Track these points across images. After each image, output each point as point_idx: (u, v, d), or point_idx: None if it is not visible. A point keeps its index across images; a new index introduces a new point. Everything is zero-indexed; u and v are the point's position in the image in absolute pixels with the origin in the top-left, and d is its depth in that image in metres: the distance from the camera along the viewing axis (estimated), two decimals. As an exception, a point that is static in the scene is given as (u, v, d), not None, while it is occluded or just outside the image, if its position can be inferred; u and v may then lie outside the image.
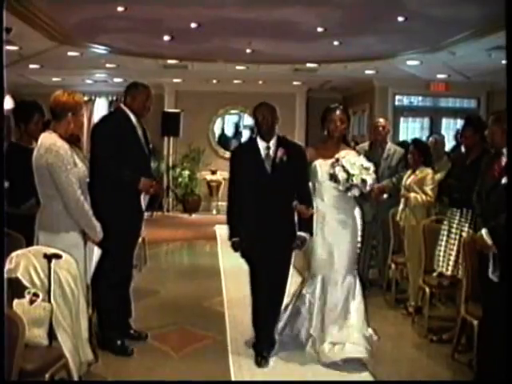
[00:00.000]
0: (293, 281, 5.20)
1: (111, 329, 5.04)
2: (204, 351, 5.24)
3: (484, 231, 4.08)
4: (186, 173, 14.88)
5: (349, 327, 4.93)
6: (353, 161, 4.94)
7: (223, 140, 15.44)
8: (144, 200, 5.15)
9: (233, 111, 15.50)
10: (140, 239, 6.21)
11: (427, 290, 5.74)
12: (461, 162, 5.61)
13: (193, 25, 8.35)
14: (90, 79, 14.28)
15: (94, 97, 15.56)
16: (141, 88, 5.20)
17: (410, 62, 10.75)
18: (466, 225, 5.27)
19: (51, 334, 3.78)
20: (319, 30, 8.49)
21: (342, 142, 5.24)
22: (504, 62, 3.99)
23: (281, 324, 5.17)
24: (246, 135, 15.24)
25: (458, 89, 13.13)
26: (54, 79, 13.40)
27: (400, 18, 7.65)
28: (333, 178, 4.93)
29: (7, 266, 3.79)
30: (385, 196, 6.82)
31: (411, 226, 6.29)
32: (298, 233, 4.88)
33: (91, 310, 4.48)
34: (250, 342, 5.14)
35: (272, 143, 4.91)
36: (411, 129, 14.25)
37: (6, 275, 3.70)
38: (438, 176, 6.33)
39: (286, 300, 5.16)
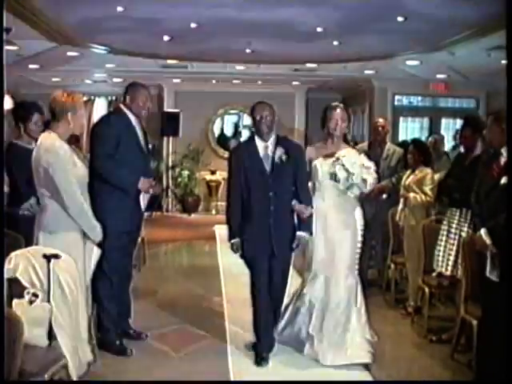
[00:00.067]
0: (292, 281, 5.20)
1: (110, 329, 5.04)
2: (203, 351, 5.24)
3: (483, 231, 4.08)
4: (186, 173, 14.87)
5: (351, 332, 4.93)
6: (353, 160, 4.92)
7: (222, 140, 15.43)
8: (143, 200, 5.15)
9: (232, 111, 15.49)
10: (139, 239, 6.21)
11: (426, 289, 5.74)
12: (460, 162, 5.61)
13: (192, 25, 8.34)
14: (90, 79, 14.26)
15: (94, 97, 15.56)
16: (140, 88, 5.19)
17: (409, 62, 10.74)
18: (466, 225, 5.27)
19: (50, 334, 3.78)
20: (319, 30, 8.48)
21: (343, 140, 5.22)
22: (503, 61, 4.00)
23: (281, 324, 5.16)
24: (245, 135, 15.23)
25: (457, 89, 13.14)
26: (54, 79, 13.39)
27: (399, 18, 7.65)
28: (333, 176, 4.91)
29: (6, 266, 3.79)
30: (384, 196, 6.82)
31: (410, 226, 6.30)
32: (298, 232, 4.87)
33: (90, 310, 4.48)
34: (249, 345, 5.12)
35: (270, 142, 4.89)
36: (410, 129, 14.26)
37: (5, 275, 3.70)
38: (438, 176, 6.33)
39: (286, 300, 5.16)
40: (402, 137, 13.34)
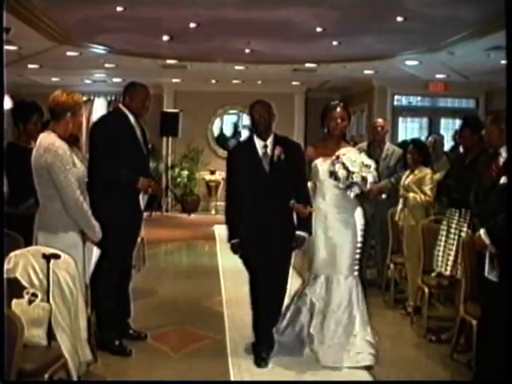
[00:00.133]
0: (293, 281, 5.18)
1: (110, 329, 5.04)
2: (203, 351, 5.24)
3: (482, 231, 4.09)
4: (185, 173, 14.88)
5: (353, 333, 4.91)
6: (353, 158, 4.86)
7: (222, 140, 15.44)
8: (143, 200, 5.15)
9: (232, 111, 15.51)
10: (139, 239, 6.21)
11: (426, 289, 5.74)
12: (459, 163, 5.61)
13: (192, 25, 8.35)
14: (89, 79, 14.28)
15: (93, 97, 15.56)
16: (139, 88, 5.19)
17: (408, 62, 10.75)
18: (465, 225, 5.27)
19: (50, 334, 3.78)
20: (318, 30, 8.49)
21: (343, 139, 5.19)
22: (503, 62, 4.00)
23: (283, 324, 5.13)
24: (244, 135, 15.23)
25: (456, 89, 13.14)
26: (53, 79, 13.40)
27: (399, 18, 7.66)
28: (333, 175, 4.86)
29: (5, 266, 3.79)
30: (383, 196, 6.82)
31: (410, 226, 6.29)
32: (297, 232, 4.84)
33: (90, 310, 4.48)
34: (249, 348, 5.08)
35: (269, 141, 4.85)
36: (410, 129, 14.26)
37: (5, 275, 3.70)
38: (437, 176, 6.33)
39: (287, 300, 5.13)
40: (401, 137, 13.34)
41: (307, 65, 11.66)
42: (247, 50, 10.20)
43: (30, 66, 11.49)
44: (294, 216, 4.87)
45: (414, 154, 6.45)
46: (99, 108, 15.50)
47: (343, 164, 4.82)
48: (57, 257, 3.90)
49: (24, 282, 3.82)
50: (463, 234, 5.20)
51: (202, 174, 14.99)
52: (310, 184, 5.07)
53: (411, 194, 6.33)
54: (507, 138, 3.96)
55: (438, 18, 7.47)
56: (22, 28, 7.72)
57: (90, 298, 4.52)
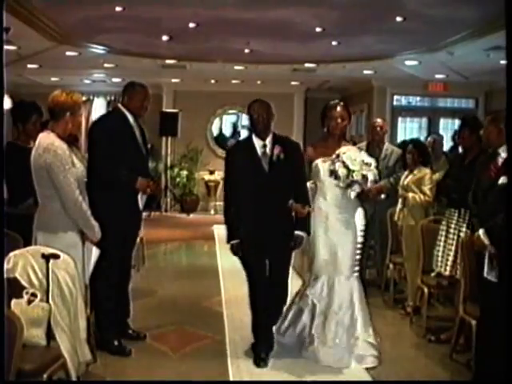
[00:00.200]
0: (292, 281, 5.17)
1: (109, 329, 5.04)
2: (202, 351, 5.24)
3: (481, 231, 4.08)
4: (184, 173, 14.88)
5: (354, 334, 4.91)
6: (353, 156, 4.83)
7: (221, 140, 15.43)
8: (141, 200, 5.15)
9: (231, 111, 15.51)
10: (138, 239, 6.21)
11: (425, 289, 5.75)
12: (458, 163, 5.61)
13: (191, 25, 8.34)
14: (89, 79, 14.28)
15: (93, 97, 15.55)
16: (138, 88, 5.19)
17: (408, 62, 10.75)
18: (464, 225, 5.27)
19: (49, 334, 3.78)
20: (318, 30, 8.49)
21: (343, 139, 5.16)
22: (502, 62, 4.01)
23: (284, 325, 5.13)
24: (244, 135, 15.23)
25: (456, 89, 13.14)
26: (53, 79, 13.40)
27: (398, 18, 7.65)
28: (333, 174, 4.82)
29: (5, 266, 3.79)
30: (382, 196, 6.81)
31: (409, 226, 6.29)
32: (295, 232, 4.80)
33: (89, 310, 4.48)
34: (248, 348, 5.06)
35: (268, 141, 4.83)
36: (409, 129, 14.26)
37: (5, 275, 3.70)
38: (437, 176, 6.33)
39: (288, 301, 5.11)
40: (400, 137, 13.35)
41: (307, 65, 11.66)
42: (247, 50, 10.20)
43: (29, 65, 11.48)
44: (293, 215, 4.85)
45: (414, 154, 6.45)
46: (98, 108, 15.49)
47: (343, 162, 4.79)
48: (56, 257, 3.89)
49: (23, 282, 3.82)
50: (462, 234, 5.20)
51: (201, 173, 14.99)
52: (310, 184, 5.05)
53: (411, 194, 6.33)
54: (507, 138, 3.97)
55: (437, 18, 7.46)
56: (21, 28, 7.72)
57: (89, 298, 4.52)
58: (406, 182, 6.44)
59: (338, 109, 5.07)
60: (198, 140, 14.95)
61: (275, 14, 7.74)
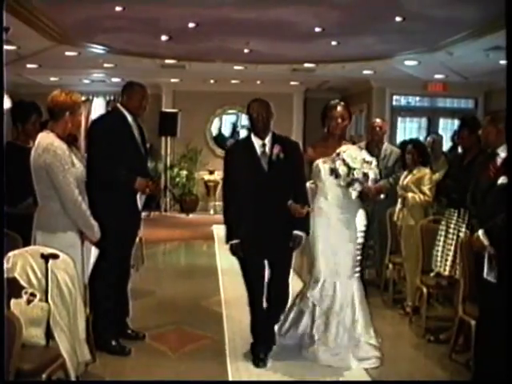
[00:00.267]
0: (292, 282, 5.16)
1: (108, 329, 5.03)
2: (201, 351, 5.24)
3: (480, 232, 4.08)
4: (184, 173, 14.88)
5: (356, 335, 4.91)
6: (354, 155, 4.80)
7: (220, 140, 15.42)
8: (140, 200, 5.15)
9: (230, 111, 15.50)
10: (137, 239, 6.20)
11: (425, 290, 5.75)
12: (458, 163, 5.61)
13: (190, 25, 8.34)
14: (88, 79, 14.27)
15: (92, 96, 15.52)
16: (136, 87, 5.19)
17: (407, 63, 10.75)
18: (464, 225, 5.26)
19: (48, 334, 3.78)
20: (317, 30, 8.49)
21: (343, 139, 5.13)
22: (502, 62, 4.01)
23: (285, 327, 5.12)
24: (243, 135, 15.22)
25: (455, 89, 13.14)
26: (52, 79, 13.39)
27: (398, 18, 7.65)
28: (333, 172, 4.79)
29: (5, 266, 3.79)
30: (382, 196, 6.81)
31: (409, 226, 6.29)
32: (294, 232, 4.77)
33: (88, 310, 4.48)
34: (247, 348, 5.05)
35: (267, 140, 4.80)
36: (408, 129, 14.26)
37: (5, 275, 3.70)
38: (436, 176, 6.33)
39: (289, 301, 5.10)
40: (400, 137, 13.34)
41: (306, 65, 11.66)
42: (246, 50, 10.20)
43: (28, 65, 11.48)
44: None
45: (413, 155, 6.45)
46: (98, 108, 15.46)
47: (344, 160, 4.75)
48: (55, 257, 3.89)
49: (22, 282, 3.82)
50: (462, 234, 5.19)
51: (201, 173, 14.98)
52: (310, 184, 5.03)
53: (410, 194, 6.33)
54: (507, 138, 3.97)
55: (436, 18, 7.46)
56: (20, 27, 7.71)
57: (88, 298, 4.52)
58: (405, 182, 6.44)
59: (339, 109, 5.03)
60: (197, 140, 14.95)
61: (275, 14, 7.74)
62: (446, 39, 8.80)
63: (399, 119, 14.11)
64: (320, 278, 4.97)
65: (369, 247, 7.19)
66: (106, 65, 11.81)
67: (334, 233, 4.94)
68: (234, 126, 15.75)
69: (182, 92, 14.95)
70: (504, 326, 3.72)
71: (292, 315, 5.13)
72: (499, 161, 4.28)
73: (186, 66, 11.98)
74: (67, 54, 10.21)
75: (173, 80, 14.29)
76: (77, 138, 5.58)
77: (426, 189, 6.26)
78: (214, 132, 15.58)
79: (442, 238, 5.46)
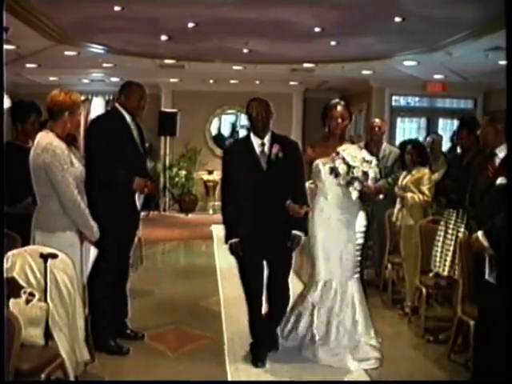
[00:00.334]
0: (292, 283, 5.16)
1: (107, 329, 5.03)
2: (200, 351, 5.24)
3: (480, 233, 4.06)
4: (183, 172, 14.88)
5: (356, 336, 4.91)
6: (354, 154, 4.78)
7: (220, 140, 15.42)
8: (139, 200, 5.14)
9: (230, 111, 15.51)
10: (136, 239, 6.20)
11: (424, 290, 5.75)
12: (457, 163, 5.61)
13: (190, 24, 8.34)
14: (87, 78, 14.27)
15: (91, 96, 15.51)
16: (135, 87, 5.19)
17: (406, 63, 10.76)
18: (463, 225, 5.26)
19: (47, 334, 3.77)
20: (316, 30, 8.49)
21: (344, 138, 5.11)
22: (501, 62, 4.01)
23: (287, 328, 5.11)
24: (242, 135, 15.21)
25: (454, 89, 13.15)
26: (51, 78, 13.38)
27: (397, 19, 7.65)
28: (333, 171, 4.77)
29: (4, 266, 3.78)
30: (381, 196, 6.81)
31: (408, 226, 6.29)
32: (293, 232, 4.75)
33: (87, 310, 4.47)
34: (247, 348, 5.04)
35: (266, 139, 4.78)
36: (408, 129, 14.27)
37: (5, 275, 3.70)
38: (435, 176, 6.33)
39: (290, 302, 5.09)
40: (399, 137, 13.35)
41: (305, 65, 11.66)
42: (245, 50, 10.20)
43: (28, 65, 11.48)
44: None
45: (413, 155, 6.45)
46: (97, 107, 15.45)
47: (343, 159, 4.74)
48: (54, 256, 3.89)
49: (21, 282, 3.82)
50: (461, 235, 5.19)
51: (200, 173, 14.99)
52: (309, 184, 5.02)
53: (409, 194, 6.33)
54: (507, 138, 3.96)
55: (436, 18, 7.47)
56: (20, 27, 7.71)
57: (87, 298, 4.51)
58: (404, 182, 6.43)
59: (339, 108, 5.02)
60: (196, 140, 14.96)
61: (274, 14, 7.74)
62: (445, 39, 8.80)
63: (398, 119, 14.12)
64: (320, 279, 4.97)
65: (368, 247, 7.19)
66: (105, 64, 11.80)
67: (334, 233, 4.93)
68: (234, 125, 15.76)
69: (181, 92, 14.95)
70: (503, 327, 3.72)
71: (293, 317, 5.11)
72: (497, 161, 4.28)
73: (185, 66, 11.98)
74: (66, 53, 10.20)
75: (172, 80, 14.29)
76: (76, 138, 5.58)
77: (425, 189, 6.26)
78: (214, 132, 15.59)
79: (441, 239, 5.47)
